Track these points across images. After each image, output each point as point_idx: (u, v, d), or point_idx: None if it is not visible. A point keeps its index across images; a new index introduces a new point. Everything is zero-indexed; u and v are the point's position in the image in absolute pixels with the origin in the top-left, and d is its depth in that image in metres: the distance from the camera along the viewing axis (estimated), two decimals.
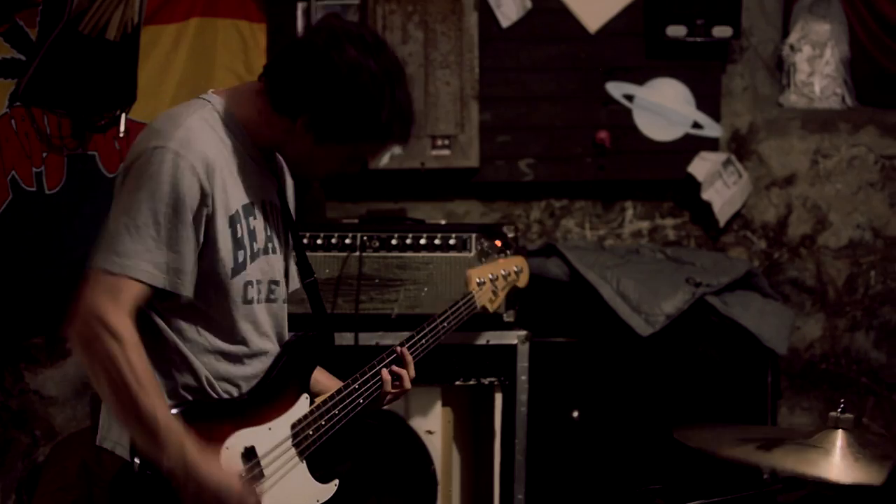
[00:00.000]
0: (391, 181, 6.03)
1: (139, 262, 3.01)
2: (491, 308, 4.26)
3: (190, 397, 3.19)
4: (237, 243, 3.20)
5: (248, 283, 3.26)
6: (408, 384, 3.68)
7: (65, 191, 5.19)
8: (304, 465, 3.40)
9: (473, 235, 5.08)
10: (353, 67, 3.13)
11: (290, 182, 3.61)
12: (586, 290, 5.50)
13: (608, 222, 6.19)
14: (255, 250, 3.28)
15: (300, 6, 5.98)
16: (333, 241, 5.09)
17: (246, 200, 3.25)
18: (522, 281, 4.45)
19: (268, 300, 3.38)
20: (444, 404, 5.08)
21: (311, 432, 3.39)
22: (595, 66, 6.08)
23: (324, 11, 5.97)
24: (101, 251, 3.03)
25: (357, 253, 5.08)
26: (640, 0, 6.05)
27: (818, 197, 6.20)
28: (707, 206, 6.06)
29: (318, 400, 3.46)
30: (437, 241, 5.09)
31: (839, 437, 3.56)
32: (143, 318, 3.09)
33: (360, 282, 5.06)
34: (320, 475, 3.47)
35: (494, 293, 4.22)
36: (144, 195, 3.03)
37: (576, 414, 5.37)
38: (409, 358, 3.71)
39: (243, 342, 3.28)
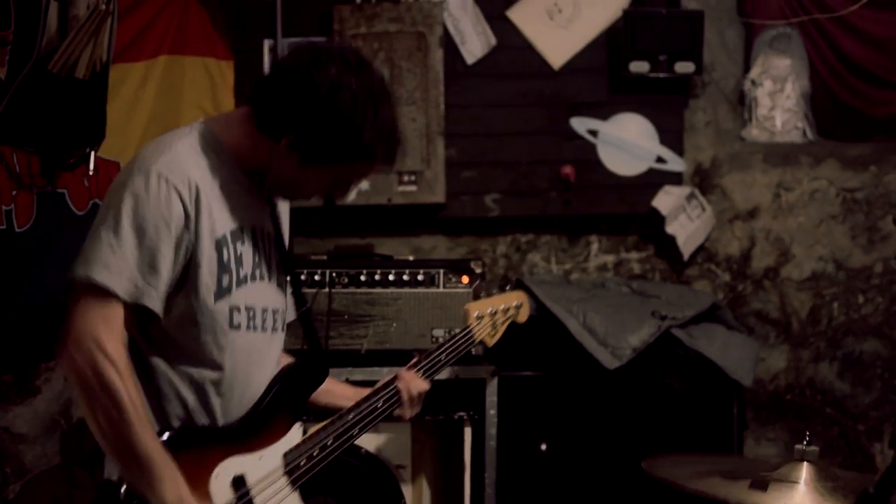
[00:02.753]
0: (358, 217, 6.06)
1: (120, 278, 3.00)
2: (490, 342, 4.23)
3: (176, 426, 3.17)
4: (222, 267, 3.16)
5: (234, 308, 3.21)
6: (407, 412, 3.77)
7: (34, 228, 5.18)
8: (296, 495, 3.38)
9: (441, 271, 5.12)
10: (334, 86, 3.10)
11: (284, 209, 3.62)
12: (553, 324, 5.53)
13: (574, 256, 6.24)
14: (242, 276, 3.23)
15: (267, 43, 6.01)
16: (303, 277, 5.12)
17: (234, 225, 3.22)
18: (522, 316, 4.41)
19: (262, 328, 3.33)
20: (413, 439, 5.10)
21: (303, 462, 3.37)
22: (559, 101, 6.14)
23: (289, 49, 6.00)
24: (83, 263, 3.02)
25: (326, 289, 5.11)
26: (603, 37, 6.11)
27: (781, 230, 6.26)
28: (671, 240, 6.11)
29: (311, 430, 3.44)
30: (405, 277, 5.14)
31: (804, 470, 3.58)
32: (131, 346, 3.10)
33: (330, 318, 5.09)
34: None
35: (494, 327, 4.18)
36: (127, 212, 3.02)
37: (544, 447, 5.39)
38: (415, 383, 3.78)
39: (230, 368, 3.22)
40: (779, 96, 6.29)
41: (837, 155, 6.28)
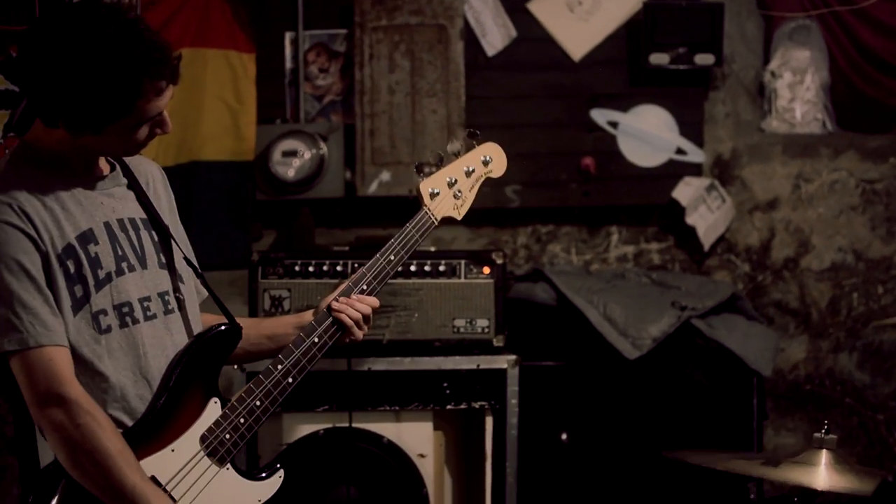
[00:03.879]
0: (379, 208, 6.09)
1: (32, 329, 2.99)
2: (458, 214, 3.74)
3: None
4: (70, 279, 3.09)
5: (99, 312, 3.14)
6: (358, 334, 3.51)
7: None
8: (229, 471, 3.30)
9: (463, 262, 5.15)
10: (61, 57, 2.98)
11: (160, 188, 3.46)
12: (573, 314, 5.55)
13: (594, 247, 6.26)
14: (103, 277, 3.16)
15: (288, 36, 6.06)
16: (325, 268, 5.14)
17: (82, 228, 3.14)
18: (497, 170, 3.85)
19: (147, 318, 3.24)
20: (435, 428, 5.12)
21: (227, 435, 3.28)
22: (579, 93, 6.16)
23: (311, 41, 6.05)
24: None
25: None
26: (624, 29, 6.13)
27: (800, 221, 6.27)
28: (691, 231, 6.13)
29: (233, 398, 3.32)
30: (426, 268, 5.15)
31: (823, 457, 3.62)
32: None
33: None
34: (259, 473, 3.39)
35: (457, 197, 3.69)
36: None
37: (564, 436, 5.42)
38: (357, 306, 3.49)
39: (114, 373, 3.15)
40: (798, 88, 6.31)
41: (857, 146, 6.29)
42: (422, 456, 5.09)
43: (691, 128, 6.19)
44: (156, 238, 3.34)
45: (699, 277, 6.09)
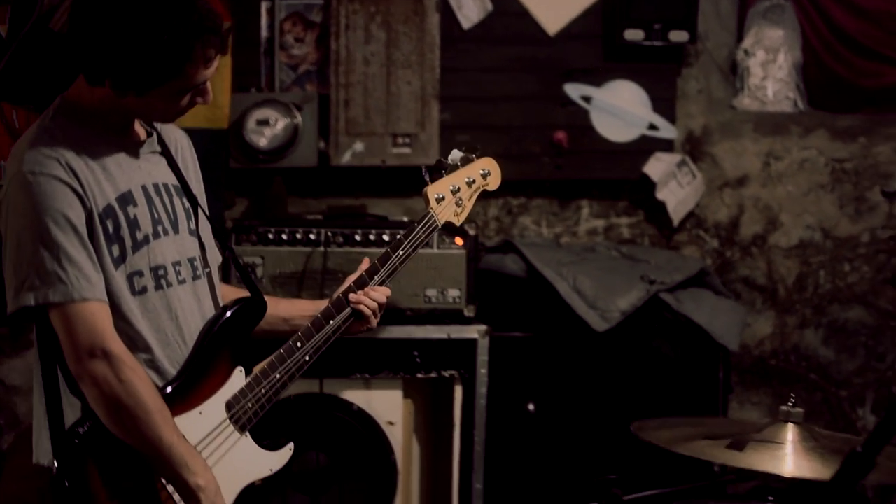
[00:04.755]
0: (352, 177, 6.11)
1: (78, 283, 3.06)
2: (458, 221, 3.91)
3: None
4: (111, 238, 3.16)
5: (135, 273, 3.21)
6: (374, 322, 3.64)
7: None
8: (247, 439, 3.40)
9: (435, 232, 5.18)
10: (115, 15, 3.04)
11: (188, 156, 3.54)
12: (543, 286, 5.58)
13: (564, 220, 6.30)
14: (141, 238, 3.23)
15: (264, 5, 6.06)
16: (298, 236, 5.19)
17: (122, 189, 3.21)
18: (493, 183, 4.03)
19: (179, 282, 3.33)
20: (405, 396, 5.18)
21: (250, 404, 3.37)
22: (554, 67, 6.17)
23: (287, 10, 6.06)
24: (31, 290, 3.06)
25: (321, 248, 5.18)
26: (599, 4, 6.13)
27: (769, 198, 6.32)
28: (661, 206, 6.17)
29: (256, 369, 3.43)
30: (399, 238, 5.19)
31: (790, 431, 3.64)
32: None
33: (325, 276, 5.16)
34: (270, 443, 3.48)
35: (458, 204, 3.86)
36: (30, 225, 3.06)
37: (531, 407, 5.47)
38: (374, 295, 3.62)
39: (148, 333, 3.23)
40: (771, 66, 6.35)
41: (827, 125, 6.33)
42: (391, 423, 5.14)
43: (664, 104, 6.21)
44: (186, 205, 3.42)
45: (668, 252, 6.14)
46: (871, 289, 6.28)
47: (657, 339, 5.51)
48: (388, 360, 5.11)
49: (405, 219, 5.68)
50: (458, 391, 5.18)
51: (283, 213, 5.80)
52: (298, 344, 3.48)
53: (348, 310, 3.58)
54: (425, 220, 3.79)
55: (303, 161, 5.96)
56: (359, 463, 5.14)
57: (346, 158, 5.97)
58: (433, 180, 3.80)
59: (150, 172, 3.33)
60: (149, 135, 3.37)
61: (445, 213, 3.84)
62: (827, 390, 6.29)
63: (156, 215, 3.29)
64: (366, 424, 5.11)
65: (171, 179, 3.40)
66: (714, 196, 6.30)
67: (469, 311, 5.19)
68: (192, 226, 3.43)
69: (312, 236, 5.22)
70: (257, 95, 5.96)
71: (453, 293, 5.17)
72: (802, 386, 6.25)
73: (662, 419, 4.13)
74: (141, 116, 3.32)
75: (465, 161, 3.90)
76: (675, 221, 6.22)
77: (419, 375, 5.15)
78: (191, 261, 3.39)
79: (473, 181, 3.92)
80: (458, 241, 5.20)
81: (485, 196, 6.10)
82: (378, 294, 3.63)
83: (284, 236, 5.19)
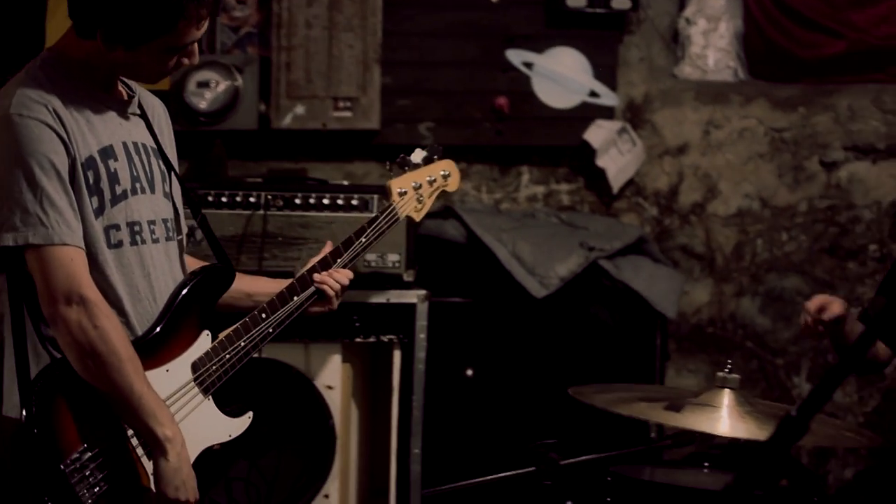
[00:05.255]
0: (292, 141, 6.10)
1: (57, 227, 3.07)
2: (417, 216, 3.99)
3: None
4: (91, 189, 3.17)
5: (112, 227, 3.23)
6: (335, 303, 3.68)
7: None
8: (210, 402, 3.42)
9: (375, 196, 5.19)
10: None
11: (163, 123, 3.55)
12: (483, 251, 5.60)
13: (505, 186, 6.31)
14: (119, 192, 3.24)
15: None
16: (238, 199, 5.18)
17: (103, 143, 3.22)
18: (452, 185, 4.11)
19: (153, 240, 3.35)
20: (343, 360, 5.17)
21: (214, 368, 3.40)
22: (496, 33, 6.17)
23: None
24: (11, 230, 3.07)
25: (261, 211, 5.17)
26: None
27: (709, 166, 6.34)
28: (601, 173, 6.18)
29: (221, 335, 3.45)
30: (339, 202, 5.19)
31: (726, 396, 3.68)
32: None
33: (265, 239, 5.15)
34: (231, 409, 3.50)
35: (419, 201, 3.94)
36: (14, 166, 3.06)
37: (470, 372, 5.49)
38: (337, 276, 3.67)
39: (121, 286, 3.24)
40: (712, 35, 6.37)
41: (768, 95, 6.36)
42: (330, 388, 5.14)
43: (605, 71, 6.22)
44: (161, 167, 3.43)
45: (607, 219, 6.16)
46: (807, 258, 6.33)
47: (595, 305, 5.54)
48: (327, 324, 5.07)
49: (345, 182, 5.67)
50: (397, 356, 5.18)
51: (223, 177, 5.77)
52: (263, 315, 3.51)
53: (312, 288, 3.62)
54: (388, 211, 3.83)
55: (243, 124, 5.95)
56: (297, 427, 5.15)
57: (287, 122, 5.96)
58: (396, 175, 3.86)
59: (131, 131, 3.35)
60: (129, 97, 3.38)
61: (407, 207, 3.91)
62: (763, 358, 6.34)
63: (134, 172, 3.30)
64: (304, 388, 5.10)
65: (150, 141, 3.41)
66: (654, 164, 6.33)
67: (408, 276, 5.19)
68: (167, 189, 3.44)
69: (252, 199, 5.20)
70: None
71: (393, 258, 5.17)
72: (739, 354, 6.29)
73: (600, 385, 4.17)
74: (127, 73, 3.33)
75: (427, 160, 3.98)
76: (615, 189, 6.24)
77: (358, 340, 5.15)
78: (164, 221, 3.40)
79: (434, 180, 4.00)
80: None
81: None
82: (341, 276, 3.67)
83: (224, 199, 5.17)
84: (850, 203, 6.30)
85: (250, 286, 3.67)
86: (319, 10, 5.97)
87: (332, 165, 6.16)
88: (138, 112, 3.41)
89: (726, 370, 3.72)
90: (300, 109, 5.94)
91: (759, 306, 6.36)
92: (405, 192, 3.89)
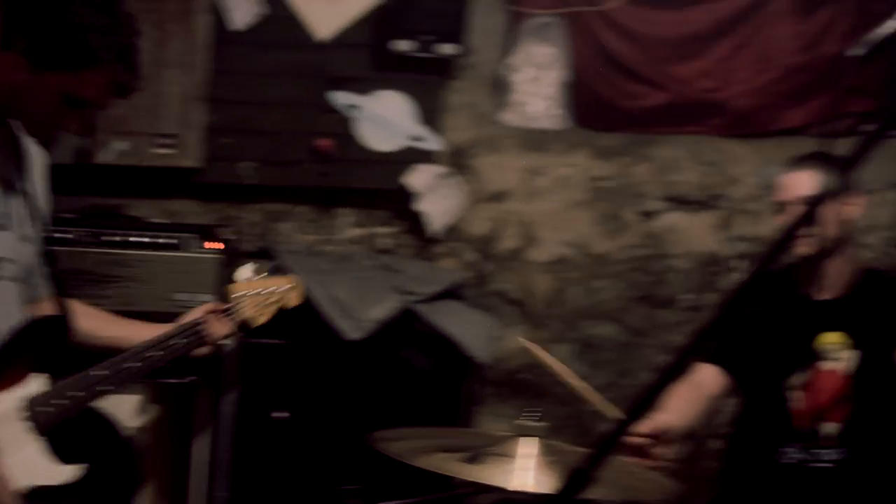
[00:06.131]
0: (111, 176, 6.03)
1: None
2: (255, 322, 3.97)
3: None
4: None
5: None
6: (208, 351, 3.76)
7: None
8: (41, 443, 3.39)
9: (189, 236, 5.16)
10: None
11: (37, 163, 3.54)
12: None
13: (326, 228, 6.30)
14: None
15: None
16: (55, 235, 5.10)
17: None
18: (293, 300, 4.09)
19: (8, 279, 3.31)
20: (149, 401, 5.13)
21: (51, 409, 3.37)
22: (322, 74, 6.18)
23: None
24: None
25: (76, 248, 5.12)
26: (372, 13, 6.17)
27: (529, 213, 6.41)
28: (422, 217, 6.24)
29: (69, 378, 3.43)
30: (156, 240, 5.15)
31: (530, 445, 3.70)
32: None
33: (77, 276, 5.09)
34: (64, 457, 3.48)
35: (260, 306, 3.92)
36: None
37: (279, 415, 5.47)
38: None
39: None
40: (539, 84, 6.45)
41: (590, 144, 6.45)
42: (135, 429, 5.08)
43: (430, 115, 6.27)
44: (24, 210, 3.41)
45: (425, 263, 6.20)
46: (622, 306, 6.42)
47: (409, 349, 5.56)
48: None
49: (164, 221, 5.63)
50: (205, 398, 5.15)
51: None
52: (122, 359, 3.51)
53: (192, 332, 3.67)
54: (225, 311, 3.82)
55: (59, 158, 5.86)
56: (101, 469, 5.07)
57: (109, 157, 5.89)
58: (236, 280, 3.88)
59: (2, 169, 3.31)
60: (11, 138, 3.35)
61: (244, 311, 3.90)
62: (575, 405, 6.39)
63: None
64: (109, 430, 5.04)
65: (10, 179, 3.37)
66: (474, 209, 6.37)
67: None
68: (28, 234, 3.42)
69: (68, 235, 5.14)
70: None
71: (204, 298, 5.13)
72: (552, 400, 6.34)
73: (403, 430, 4.18)
74: (16, 107, 3.24)
75: (274, 272, 4.09)
76: (434, 233, 6.27)
77: (164, 381, 5.11)
78: (8, 261, 3.34)
79: (276, 291, 3.99)
80: (213, 244, 5.17)
81: (247, 201, 6.19)
82: (222, 327, 3.73)
83: None
84: (664, 253, 6.41)
85: (129, 332, 3.70)
86: (147, 45, 5.87)
87: (150, 202, 6.09)
88: (15, 151, 3.38)
89: (532, 417, 3.74)
90: (123, 145, 5.88)
91: (573, 353, 6.42)
92: (243, 296, 3.89)
